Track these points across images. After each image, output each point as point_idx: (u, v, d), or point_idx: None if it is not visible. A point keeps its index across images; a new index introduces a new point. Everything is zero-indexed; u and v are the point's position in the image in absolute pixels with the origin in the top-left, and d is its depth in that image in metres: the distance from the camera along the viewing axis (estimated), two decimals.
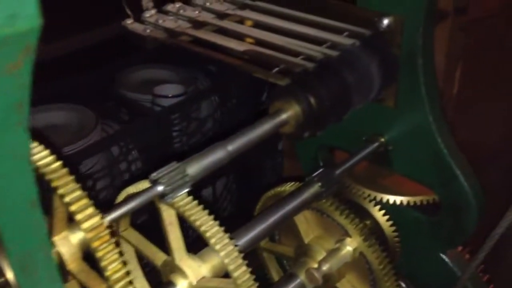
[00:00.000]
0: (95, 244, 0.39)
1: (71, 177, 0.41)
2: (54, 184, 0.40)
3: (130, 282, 0.41)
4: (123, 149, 1.08)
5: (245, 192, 1.33)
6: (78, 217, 0.40)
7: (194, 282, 0.51)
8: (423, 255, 0.74)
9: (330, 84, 0.59)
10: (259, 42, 0.65)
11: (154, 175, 0.48)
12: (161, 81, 1.26)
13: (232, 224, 0.55)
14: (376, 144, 0.73)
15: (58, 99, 1.16)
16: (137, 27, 0.70)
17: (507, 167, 1.54)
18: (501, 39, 1.34)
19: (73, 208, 0.40)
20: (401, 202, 0.74)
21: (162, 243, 0.52)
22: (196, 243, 0.53)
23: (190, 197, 0.48)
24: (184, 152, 1.14)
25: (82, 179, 0.98)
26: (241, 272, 0.48)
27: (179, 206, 0.47)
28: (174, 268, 0.52)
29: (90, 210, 0.39)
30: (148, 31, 0.69)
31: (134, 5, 0.73)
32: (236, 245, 0.48)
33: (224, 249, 0.47)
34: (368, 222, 0.75)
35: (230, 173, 1.29)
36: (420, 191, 0.73)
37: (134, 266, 0.60)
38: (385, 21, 0.64)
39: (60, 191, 0.41)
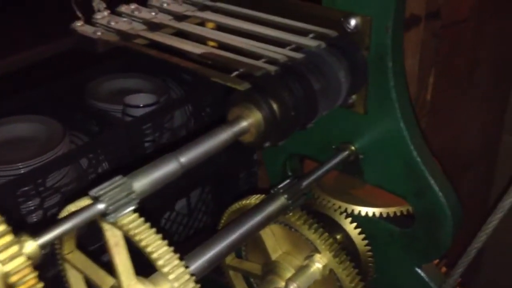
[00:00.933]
0: (14, 279, 0.34)
1: None
2: None
3: None
4: (93, 161, 1.04)
5: (221, 203, 1.28)
6: None
7: None
8: (398, 270, 0.70)
9: (294, 89, 0.54)
10: (219, 45, 0.61)
11: (94, 190, 0.42)
12: (132, 90, 1.23)
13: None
14: (346, 153, 0.68)
15: (25, 111, 1.13)
16: (87, 29, 0.65)
17: (482, 178, 1.52)
18: (474, 44, 1.32)
19: None
20: (374, 214, 0.70)
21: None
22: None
23: (136, 215, 0.43)
24: None
25: (49, 193, 0.95)
26: None
27: (122, 225, 0.42)
28: None
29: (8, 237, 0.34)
30: (98, 33, 0.64)
31: (86, 6, 0.68)
32: (187, 267, 0.43)
33: (173, 272, 0.42)
34: (339, 236, 0.71)
35: (205, 184, 1.25)
36: (394, 202, 0.69)
37: None
38: (352, 22, 0.60)
39: None
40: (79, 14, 0.66)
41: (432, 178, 0.63)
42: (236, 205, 0.69)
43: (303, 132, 0.70)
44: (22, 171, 0.98)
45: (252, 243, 0.72)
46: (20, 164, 0.98)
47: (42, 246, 0.39)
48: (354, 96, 0.64)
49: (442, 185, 0.64)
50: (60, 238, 0.43)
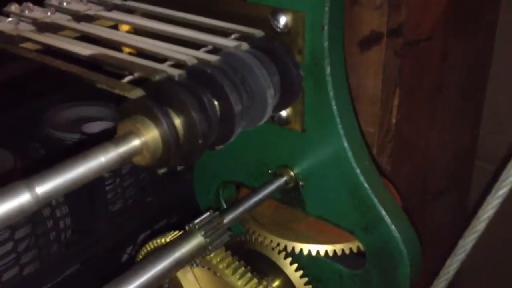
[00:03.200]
0: None
1: None
2: None
3: None
4: None
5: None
6: None
7: None
8: None
9: (203, 98, 0.43)
10: (118, 45, 0.49)
11: None
12: (91, 118, 1.18)
13: None
14: (283, 179, 0.57)
15: None
16: None
17: (454, 206, 1.43)
18: (439, 64, 1.24)
19: None
20: (318, 252, 0.58)
21: None
22: None
23: None
24: (117, 196, 1.04)
25: None
26: None
27: None
28: None
29: None
30: None
31: None
32: None
33: None
34: (277, 281, 0.59)
35: (170, 215, 1.14)
36: (342, 237, 0.58)
37: None
38: (282, 19, 0.49)
39: None
40: None
41: (383, 208, 0.52)
42: (152, 243, 0.57)
43: (236, 155, 0.59)
44: None
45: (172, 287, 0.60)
46: None
47: None
48: (288, 111, 0.53)
49: (395, 217, 0.52)
50: None
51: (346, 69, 0.54)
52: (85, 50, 0.47)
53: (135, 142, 0.41)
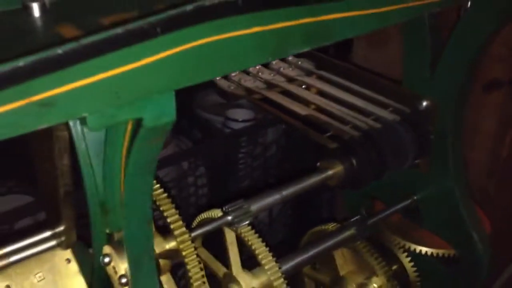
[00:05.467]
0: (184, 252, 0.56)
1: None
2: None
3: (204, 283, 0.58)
4: (192, 164, 1.19)
5: (299, 221, 1.45)
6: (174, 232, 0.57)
7: None
8: None
9: (369, 152, 0.74)
10: (317, 107, 0.81)
11: (226, 207, 0.64)
12: (234, 105, 1.31)
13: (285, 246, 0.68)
14: (408, 201, 0.86)
15: None
16: (223, 83, 0.88)
17: None
18: None
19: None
20: (425, 252, 0.86)
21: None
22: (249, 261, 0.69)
23: (250, 227, 0.65)
24: (246, 174, 1.25)
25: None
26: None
27: (241, 233, 0.64)
28: (231, 279, 0.68)
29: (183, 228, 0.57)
30: (231, 88, 0.87)
31: None
32: (280, 268, 0.63)
33: (271, 269, 0.62)
34: (395, 266, 0.88)
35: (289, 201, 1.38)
36: (443, 245, 0.86)
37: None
38: (424, 103, 0.78)
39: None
40: None
41: (474, 232, 0.79)
42: (318, 228, 0.89)
43: (382, 183, 0.89)
44: None
45: (326, 259, 0.92)
46: None
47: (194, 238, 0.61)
48: (419, 160, 0.82)
49: (481, 237, 0.80)
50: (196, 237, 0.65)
51: (461, 133, 0.81)
52: (301, 110, 0.79)
53: (329, 173, 0.73)
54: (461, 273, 0.83)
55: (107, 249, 0.55)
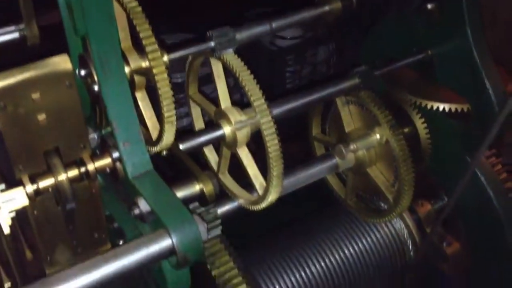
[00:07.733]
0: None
1: None
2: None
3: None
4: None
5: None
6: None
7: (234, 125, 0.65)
8: (451, 157, 0.82)
9: None
10: None
11: (210, 32, 0.62)
12: None
13: None
14: (422, 55, 0.81)
15: None
16: None
17: None
18: None
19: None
20: (438, 108, 0.82)
21: None
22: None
23: (235, 55, 0.63)
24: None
25: None
26: (269, 125, 0.62)
27: (225, 60, 0.62)
28: (221, 115, 0.67)
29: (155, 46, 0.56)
30: None
31: None
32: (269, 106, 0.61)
33: (258, 107, 0.61)
34: (407, 129, 0.84)
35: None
36: (457, 100, 0.81)
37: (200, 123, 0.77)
38: None
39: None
40: None
41: (489, 83, 0.74)
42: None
43: (394, 37, 0.84)
44: None
45: (333, 121, 0.90)
46: None
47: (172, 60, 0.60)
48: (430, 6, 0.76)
49: (497, 90, 0.74)
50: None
51: None
52: None
53: (326, 8, 0.69)
54: (475, 127, 0.78)
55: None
